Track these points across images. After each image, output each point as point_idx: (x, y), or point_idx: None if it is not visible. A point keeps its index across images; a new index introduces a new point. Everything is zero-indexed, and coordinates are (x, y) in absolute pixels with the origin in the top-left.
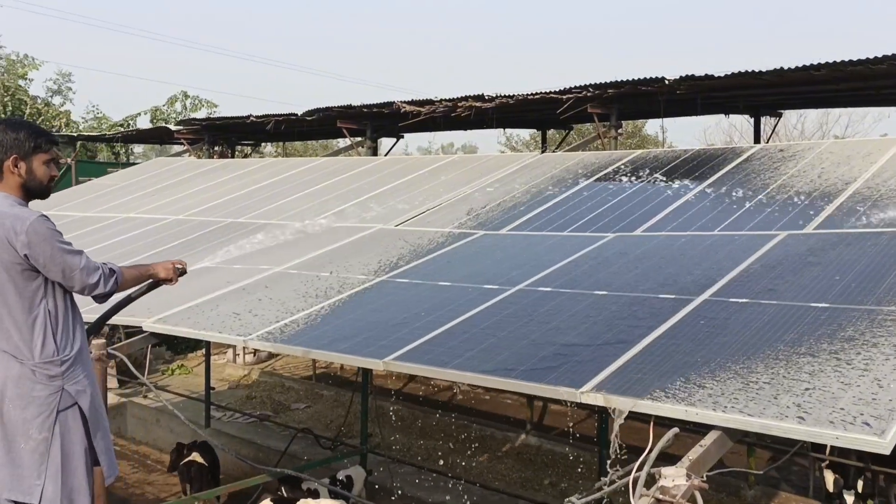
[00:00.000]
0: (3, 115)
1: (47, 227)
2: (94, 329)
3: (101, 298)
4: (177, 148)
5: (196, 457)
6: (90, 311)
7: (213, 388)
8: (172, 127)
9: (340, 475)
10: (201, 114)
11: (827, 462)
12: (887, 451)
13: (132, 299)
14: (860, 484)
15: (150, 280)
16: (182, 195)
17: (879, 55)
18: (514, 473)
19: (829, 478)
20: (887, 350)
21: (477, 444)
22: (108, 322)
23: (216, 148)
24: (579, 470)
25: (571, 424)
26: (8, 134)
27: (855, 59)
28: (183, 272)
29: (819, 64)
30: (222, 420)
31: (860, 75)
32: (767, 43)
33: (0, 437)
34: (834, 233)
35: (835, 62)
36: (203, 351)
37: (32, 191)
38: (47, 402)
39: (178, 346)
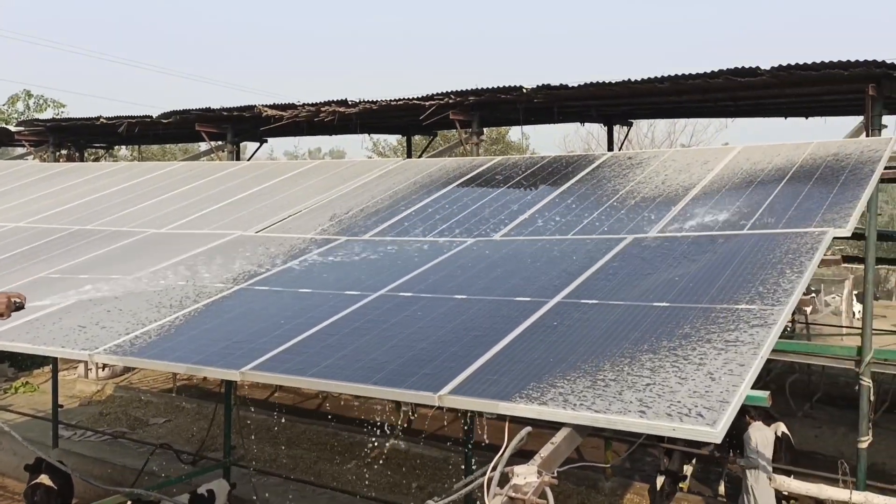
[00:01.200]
0: None
1: None
2: None
3: None
4: (19, 150)
5: (44, 479)
6: None
7: (62, 406)
8: (13, 128)
9: (202, 489)
10: (47, 114)
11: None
12: (718, 440)
13: None
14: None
15: None
16: (23, 200)
17: (716, 70)
18: (382, 479)
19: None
20: (719, 345)
21: (346, 452)
22: None
23: (63, 151)
24: (448, 472)
25: (441, 427)
26: None
27: (694, 73)
28: (19, 307)
29: (662, 77)
30: (72, 440)
31: (699, 88)
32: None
33: None
34: (674, 236)
35: (676, 76)
36: (51, 367)
37: None
38: None
39: (22, 363)
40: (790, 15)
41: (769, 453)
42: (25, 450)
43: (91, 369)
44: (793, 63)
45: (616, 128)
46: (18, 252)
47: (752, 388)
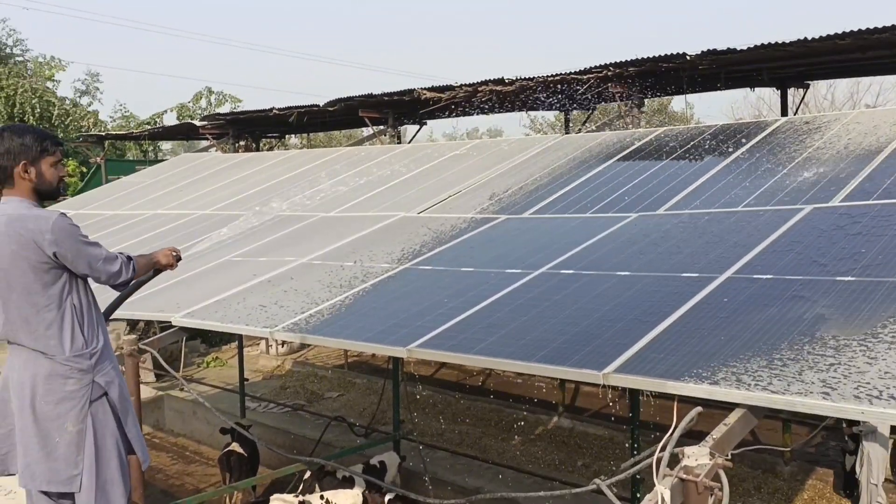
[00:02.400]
0: (31, 118)
1: (69, 224)
2: (106, 317)
3: (121, 286)
4: (203, 143)
5: (235, 447)
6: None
7: (247, 380)
8: (197, 123)
9: (374, 461)
10: (225, 109)
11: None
12: None
13: (139, 286)
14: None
15: (155, 267)
16: (208, 190)
17: None
18: (547, 456)
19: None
20: None
21: (509, 428)
22: (115, 312)
23: (241, 142)
24: (613, 451)
25: (605, 405)
26: (14, 140)
27: (881, 26)
28: (179, 258)
29: (844, 33)
30: (257, 411)
31: (887, 43)
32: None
33: (34, 433)
34: (860, 205)
35: (860, 30)
36: (237, 343)
37: (43, 193)
38: (80, 395)
39: (212, 339)
40: None
41: None
42: (218, 419)
43: (271, 346)
44: None
45: (791, 91)
46: (206, 237)
47: None
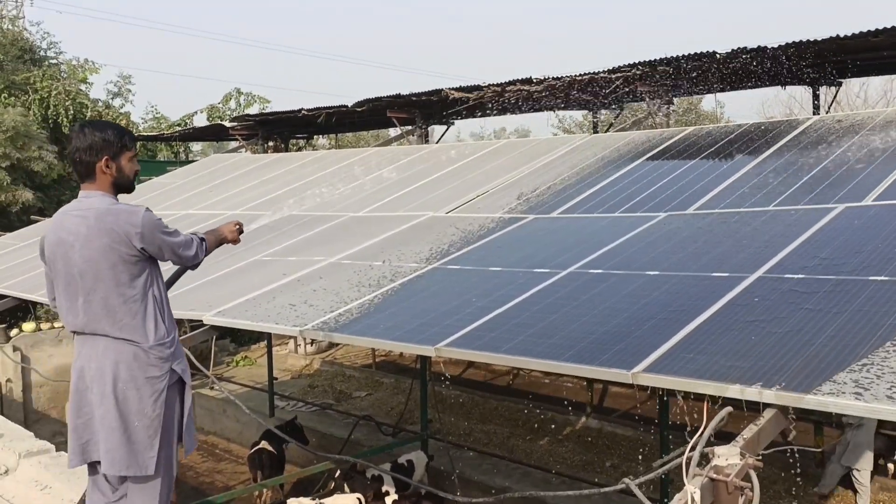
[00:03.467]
0: (65, 120)
1: (156, 219)
2: None
3: (196, 266)
4: (233, 144)
5: (265, 445)
6: None
7: (276, 379)
8: (227, 124)
9: (401, 460)
10: (254, 109)
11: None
12: None
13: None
14: None
15: (222, 242)
16: (237, 190)
17: None
18: (575, 456)
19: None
20: None
21: (537, 428)
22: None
23: (270, 143)
24: (643, 451)
25: (634, 406)
26: (96, 136)
27: None
28: (241, 230)
29: (877, 30)
30: (286, 409)
31: None
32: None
33: (115, 418)
34: (894, 204)
35: (893, 27)
36: (265, 342)
37: (122, 187)
38: (160, 382)
39: (241, 338)
40: None
41: None
42: (248, 417)
43: (300, 345)
44: None
45: (823, 89)
46: None
47: None
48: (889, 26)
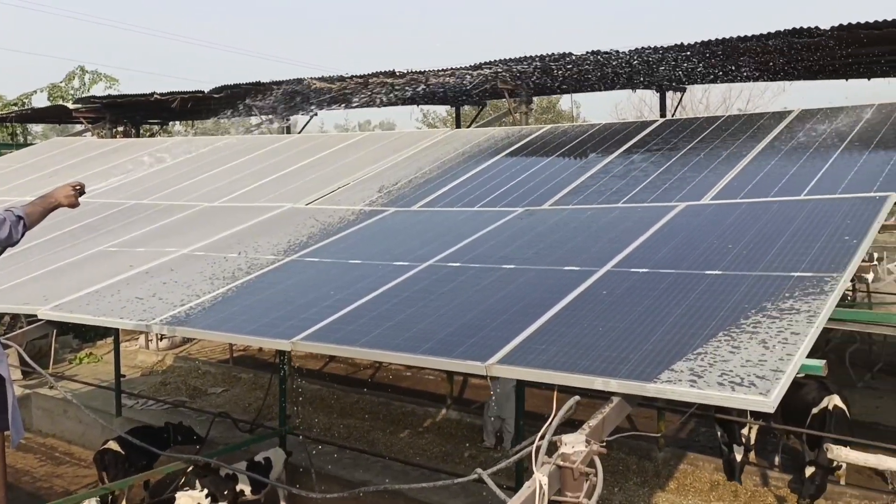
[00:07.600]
0: None
1: None
2: None
3: (15, 245)
4: (78, 127)
5: (112, 444)
6: None
7: (125, 376)
8: (70, 106)
9: (259, 457)
10: (100, 88)
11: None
12: (771, 410)
13: None
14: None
15: (54, 208)
16: (82, 176)
17: (772, 31)
18: (434, 448)
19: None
20: (773, 314)
21: (398, 421)
22: None
23: (119, 128)
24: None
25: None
26: None
27: (749, 34)
28: (82, 192)
29: (716, 40)
30: (135, 408)
31: (754, 51)
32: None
33: None
34: (729, 203)
35: (728, 38)
36: (113, 338)
37: None
38: None
39: (86, 334)
40: None
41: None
42: (90, 418)
43: (151, 340)
44: (854, 22)
45: (669, 94)
46: (80, 226)
47: (808, 357)
48: (724, 37)
